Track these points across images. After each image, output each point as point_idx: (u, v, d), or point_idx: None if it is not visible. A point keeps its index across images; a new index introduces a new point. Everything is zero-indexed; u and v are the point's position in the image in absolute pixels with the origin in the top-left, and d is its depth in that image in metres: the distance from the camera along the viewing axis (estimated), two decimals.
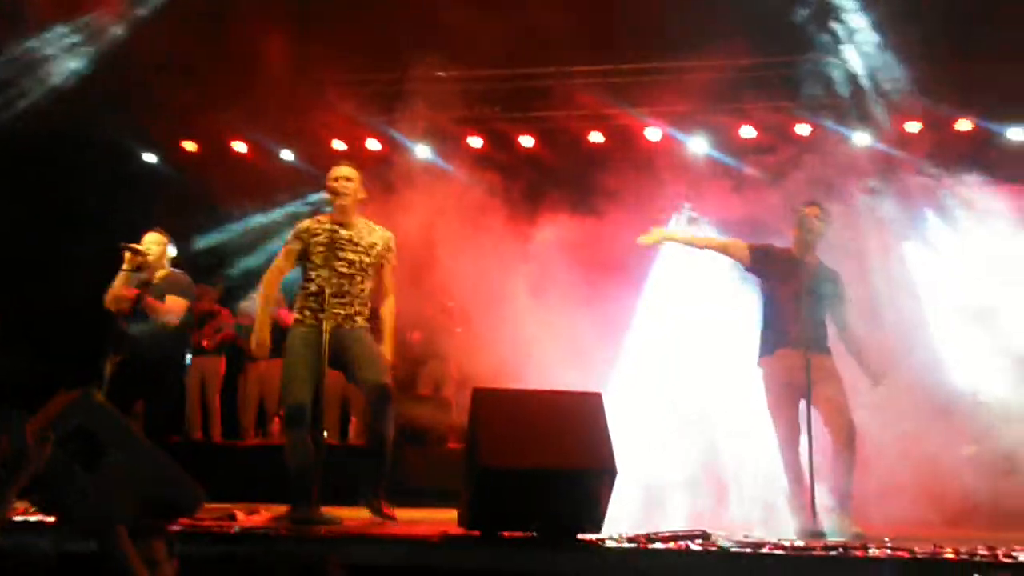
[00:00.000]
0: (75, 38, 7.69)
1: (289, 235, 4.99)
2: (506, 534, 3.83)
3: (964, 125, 7.98)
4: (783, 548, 3.72)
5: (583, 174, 8.12)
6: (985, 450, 6.17)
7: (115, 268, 5.57)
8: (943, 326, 6.99)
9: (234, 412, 8.55)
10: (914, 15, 7.10)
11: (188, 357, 6.10)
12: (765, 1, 7.02)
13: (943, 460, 5.89)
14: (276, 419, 8.17)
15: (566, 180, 8.32)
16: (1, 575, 3.35)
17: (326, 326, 4.66)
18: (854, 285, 5.35)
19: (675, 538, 3.88)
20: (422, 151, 8.79)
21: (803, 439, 4.79)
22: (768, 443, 5.06)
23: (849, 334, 5.06)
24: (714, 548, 3.72)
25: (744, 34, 7.13)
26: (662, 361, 6.63)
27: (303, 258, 4.88)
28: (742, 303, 5.86)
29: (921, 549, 3.70)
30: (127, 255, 5.54)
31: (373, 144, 8.85)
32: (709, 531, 4.07)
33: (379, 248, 4.89)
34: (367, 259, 4.85)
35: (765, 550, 3.64)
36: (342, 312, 4.76)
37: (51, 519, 3.98)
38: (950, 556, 3.56)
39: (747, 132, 8.30)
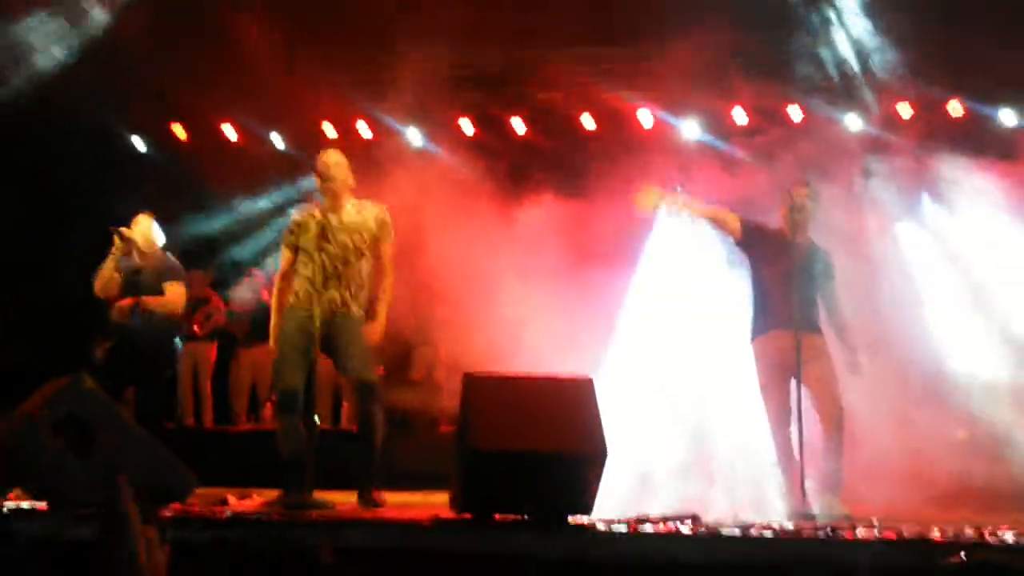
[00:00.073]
0: (60, 24, 7.62)
1: (284, 233, 5.00)
2: (497, 517, 3.86)
3: (956, 107, 7.97)
4: (772, 530, 3.75)
5: (574, 158, 8.11)
6: (977, 433, 6.22)
7: (104, 253, 5.56)
8: (936, 308, 7.01)
9: (226, 398, 8.56)
10: None
11: (179, 342, 6.09)
12: None
13: (934, 443, 5.93)
14: (268, 404, 8.18)
15: (557, 164, 8.30)
16: None
17: (317, 311, 4.67)
18: (847, 267, 5.36)
19: (665, 521, 3.91)
20: (412, 135, 8.75)
21: (794, 420, 4.82)
22: (759, 425, 5.09)
23: (836, 315, 5.09)
24: (704, 530, 3.75)
25: (736, 17, 7.10)
26: (653, 344, 6.65)
27: (298, 249, 4.87)
28: (733, 286, 5.87)
29: (908, 530, 3.73)
30: (116, 240, 5.52)
31: (363, 129, 8.80)
32: (699, 514, 4.10)
33: (371, 225, 4.86)
34: (359, 238, 4.82)
35: (754, 532, 3.67)
36: (337, 296, 4.75)
37: (42, 505, 3.99)
38: (937, 537, 3.59)
39: (739, 115, 8.28)
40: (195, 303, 8.10)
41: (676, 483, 5.57)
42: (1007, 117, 7.92)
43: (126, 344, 5.49)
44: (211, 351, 8.47)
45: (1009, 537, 3.57)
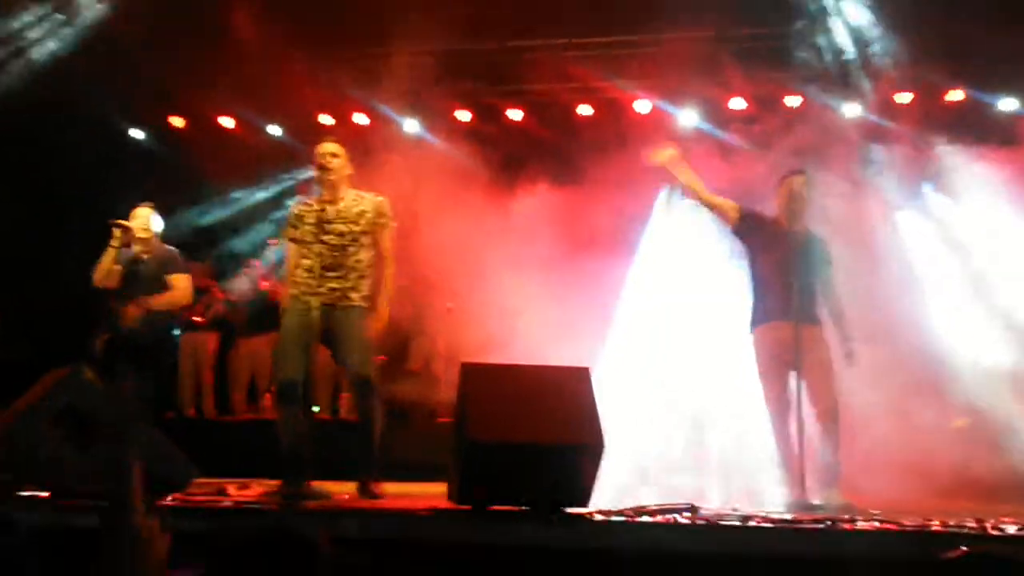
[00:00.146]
0: (57, 15, 7.59)
1: (286, 227, 5.00)
2: (495, 508, 3.86)
3: (955, 95, 7.95)
4: (771, 521, 3.74)
5: (572, 148, 8.08)
6: (977, 422, 6.21)
7: (103, 245, 5.54)
8: (936, 296, 6.99)
9: (226, 388, 8.56)
10: None
11: (177, 333, 6.09)
12: None
13: (935, 433, 5.93)
14: (267, 395, 8.18)
15: (555, 153, 8.29)
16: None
17: (315, 302, 4.67)
18: (845, 255, 5.34)
19: (663, 511, 3.91)
20: (410, 125, 8.73)
21: (793, 411, 4.82)
22: (757, 415, 5.09)
23: (833, 304, 5.07)
24: (702, 521, 3.75)
25: (733, 4, 7.07)
26: (651, 335, 6.64)
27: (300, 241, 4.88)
28: (732, 276, 5.86)
29: (909, 521, 3.73)
30: (115, 231, 5.50)
31: (361, 118, 8.78)
32: (696, 504, 4.10)
33: (369, 215, 4.84)
34: (357, 228, 4.80)
35: (753, 523, 3.67)
36: (337, 287, 4.74)
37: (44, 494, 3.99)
38: (938, 528, 3.59)
39: (736, 103, 8.25)
40: (195, 293, 8.09)
41: (673, 474, 5.58)
42: (1007, 104, 7.90)
43: (126, 335, 5.48)
44: (211, 341, 8.47)
45: (1011, 529, 3.56)
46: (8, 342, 6.77)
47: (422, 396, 7.62)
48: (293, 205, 5.04)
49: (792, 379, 4.81)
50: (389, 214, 4.91)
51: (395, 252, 4.92)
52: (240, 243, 9.07)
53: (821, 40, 7.52)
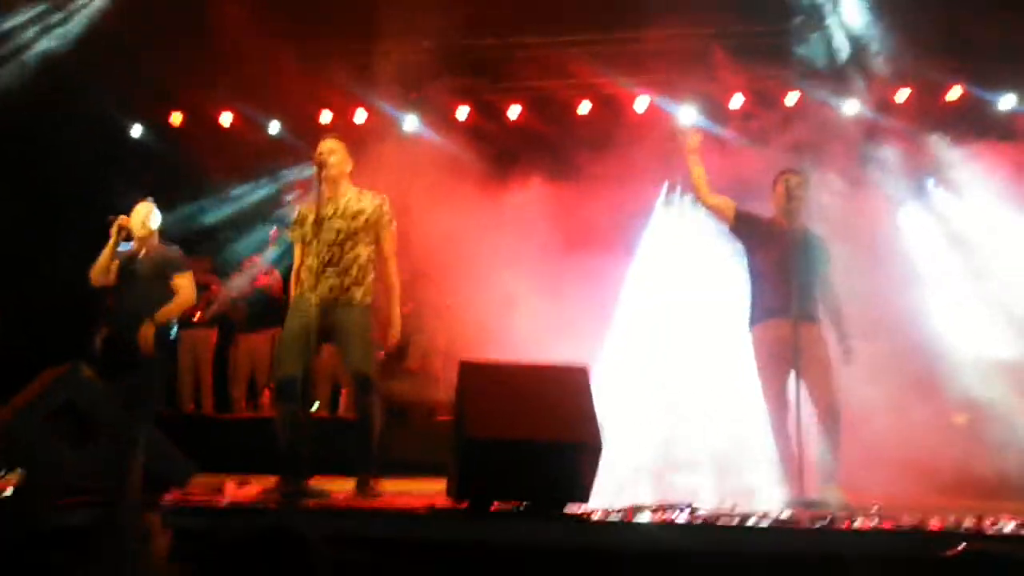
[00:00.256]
0: (55, 12, 7.57)
1: (291, 228, 5.02)
2: (493, 506, 3.85)
3: (955, 92, 7.94)
4: (769, 519, 3.74)
5: (571, 144, 8.07)
6: (977, 419, 6.20)
7: (101, 242, 5.53)
8: (936, 292, 6.99)
9: (225, 384, 8.56)
10: None
11: (176, 329, 6.07)
12: None
13: (935, 430, 5.92)
14: (266, 391, 8.18)
15: (554, 150, 8.27)
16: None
17: (314, 299, 4.67)
18: (844, 252, 5.33)
19: (661, 510, 3.90)
20: (409, 121, 8.72)
21: (793, 409, 4.81)
22: (756, 413, 5.08)
23: (831, 303, 5.06)
24: (700, 520, 3.74)
25: (733, 2, 7.07)
26: (651, 333, 6.64)
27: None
28: (731, 274, 5.86)
29: (908, 519, 3.73)
30: (113, 228, 5.49)
31: (361, 115, 8.77)
32: (695, 503, 4.10)
33: (369, 213, 4.83)
34: (355, 225, 4.80)
35: (751, 522, 3.67)
36: (337, 282, 4.74)
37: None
38: (936, 526, 3.59)
39: (736, 101, 8.24)
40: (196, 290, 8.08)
41: (672, 472, 5.57)
42: (1006, 102, 7.88)
43: (124, 332, 5.46)
44: (211, 337, 8.46)
45: (1009, 527, 3.56)
46: (7, 339, 6.76)
47: (421, 394, 7.62)
48: (295, 202, 5.04)
49: (791, 377, 4.81)
50: (390, 213, 4.90)
51: (396, 252, 4.92)
52: (240, 240, 9.05)
53: (820, 37, 7.50)
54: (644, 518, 3.74)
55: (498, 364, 4.21)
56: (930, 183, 7.52)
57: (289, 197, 8.20)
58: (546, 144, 8.56)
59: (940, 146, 7.34)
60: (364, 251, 4.83)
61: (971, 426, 6.26)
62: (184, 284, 5.53)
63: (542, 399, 3.87)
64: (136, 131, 9.32)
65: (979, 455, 5.76)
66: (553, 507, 3.81)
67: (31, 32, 7.59)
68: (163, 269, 5.56)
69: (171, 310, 5.45)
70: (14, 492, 3.81)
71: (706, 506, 4.15)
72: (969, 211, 7.17)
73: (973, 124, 7.59)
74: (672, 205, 7.27)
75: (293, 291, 4.91)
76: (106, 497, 3.15)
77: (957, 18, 6.98)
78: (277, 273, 8.27)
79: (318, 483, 4.64)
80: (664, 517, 3.76)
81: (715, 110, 8.28)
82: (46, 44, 7.64)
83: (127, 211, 5.65)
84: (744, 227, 5.12)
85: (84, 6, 7.64)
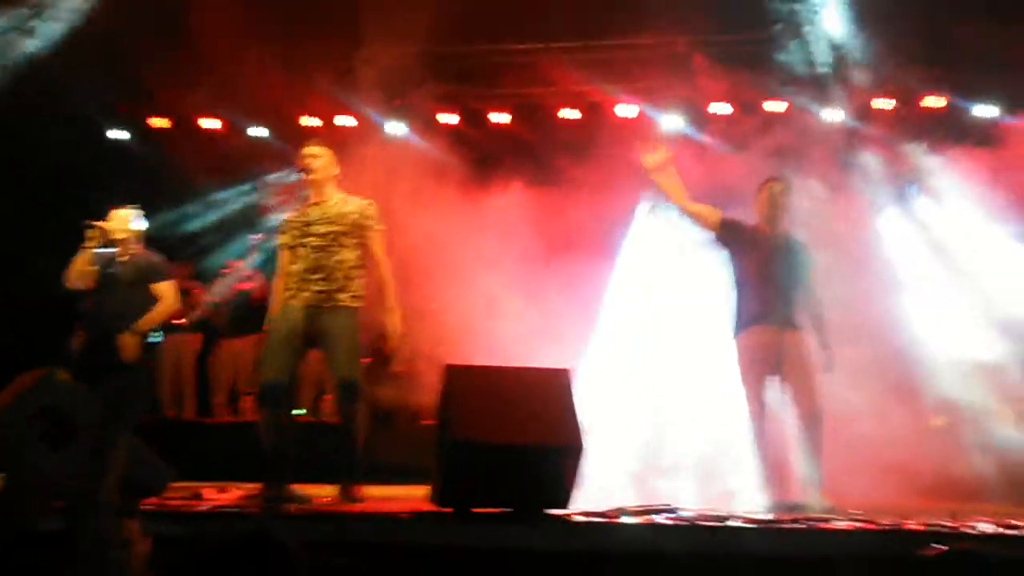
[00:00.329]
0: (37, 14, 7.52)
1: (279, 234, 5.00)
2: (477, 510, 3.85)
3: (935, 100, 8.03)
4: (750, 521, 3.76)
5: (555, 150, 8.09)
6: (956, 422, 6.26)
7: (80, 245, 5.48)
8: (916, 297, 7.04)
9: (207, 390, 8.51)
10: None
11: (160, 334, 6.02)
12: None
13: (915, 433, 5.97)
14: (247, 397, 8.13)
15: (538, 156, 8.29)
16: None
17: (300, 305, 4.66)
18: (825, 258, 5.36)
19: (644, 512, 3.91)
20: (393, 127, 8.71)
21: (774, 415, 4.84)
22: (738, 418, 5.10)
23: (813, 309, 5.07)
24: (682, 522, 3.76)
25: (716, 9, 7.11)
26: (634, 337, 6.65)
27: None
28: (714, 279, 5.87)
29: (886, 521, 3.76)
30: (90, 232, 5.44)
31: (344, 120, 8.76)
32: (676, 505, 4.11)
33: (353, 217, 4.81)
34: (338, 229, 4.77)
35: (731, 523, 3.68)
36: (322, 288, 4.72)
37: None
38: (914, 527, 3.62)
39: (718, 108, 8.29)
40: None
41: (654, 475, 5.59)
42: (985, 111, 7.97)
43: (102, 336, 5.41)
44: (195, 342, 8.42)
45: (987, 527, 3.60)
46: None
47: (405, 398, 7.59)
48: (278, 207, 5.03)
49: (772, 383, 4.83)
50: (376, 217, 4.88)
51: (386, 251, 4.88)
52: (222, 245, 9.01)
53: (801, 45, 7.56)
54: (627, 520, 3.75)
55: (482, 368, 4.22)
56: (910, 189, 7.59)
57: (272, 202, 8.16)
58: (530, 149, 8.58)
59: (918, 153, 7.40)
60: (350, 255, 4.81)
61: (950, 429, 6.31)
62: (167, 291, 5.49)
63: (526, 402, 3.88)
64: (118, 135, 9.27)
65: (958, 458, 5.80)
66: (536, 510, 3.81)
67: (14, 32, 7.53)
68: (145, 274, 5.51)
69: (154, 318, 5.41)
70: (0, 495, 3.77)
71: (688, 508, 4.16)
72: (948, 217, 7.24)
73: (951, 131, 7.67)
74: (655, 210, 7.29)
75: (277, 297, 4.89)
76: (83, 501, 3.11)
77: (937, 27, 7.05)
78: (261, 278, 8.23)
79: (301, 489, 4.62)
80: (646, 519, 3.78)
81: (699, 117, 8.33)
82: (29, 45, 7.58)
83: (106, 215, 5.61)
84: (729, 234, 5.13)
85: (66, 8, 7.59)
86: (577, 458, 3.79)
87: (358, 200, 4.90)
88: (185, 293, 8.18)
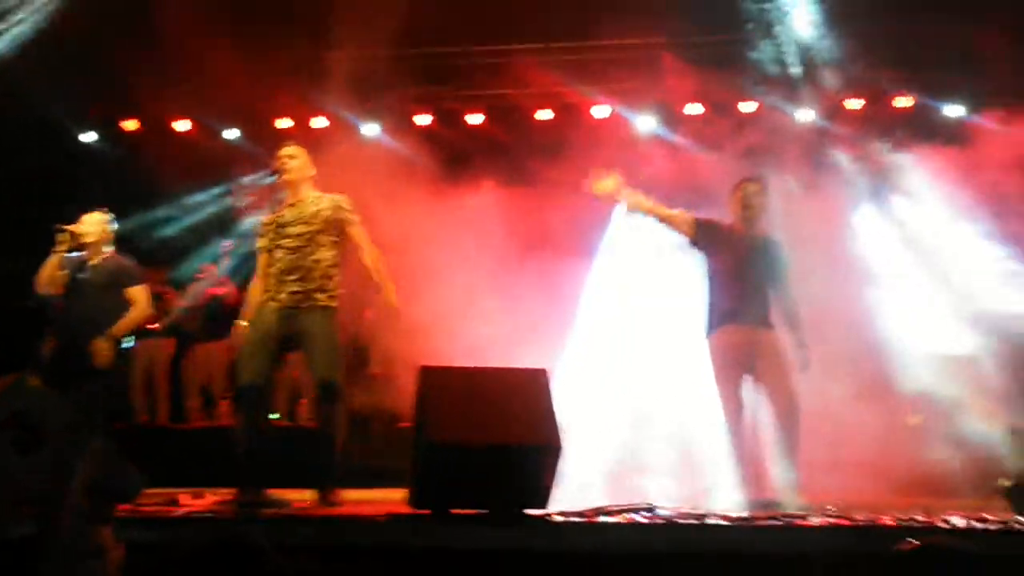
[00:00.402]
0: (6, 16, 7.42)
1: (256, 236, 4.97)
2: (454, 512, 3.84)
3: (904, 100, 8.13)
4: (727, 519, 3.78)
5: (529, 151, 8.10)
6: (930, 418, 6.32)
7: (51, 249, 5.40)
8: (890, 295, 7.10)
9: (180, 395, 8.43)
10: None
11: (132, 339, 5.95)
12: None
13: (890, 429, 6.02)
14: (221, 402, 8.07)
15: (513, 157, 8.29)
16: None
17: (276, 306, 4.64)
18: (800, 256, 5.38)
19: (622, 511, 3.92)
20: (368, 128, 8.68)
21: (749, 414, 4.86)
22: (714, 417, 5.12)
23: (788, 308, 5.09)
24: (660, 521, 3.77)
25: (689, 10, 7.15)
26: (612, 337, 6.67)
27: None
28: (689, 279, 5.90)
29: (860, 517, 3.79)
30: (60, 237, 5.37)
31: (319, 121, 8.71)
32: (654, 504, 4.12)
33: (327, 213, 4.77)
34: (312, 228, 4.75)
35: (709, 521, 3.70)
36: (299, 289, 4.68)
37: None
38: (888, 523, 3.66)
39: (692, 108, 8.34)
40: (151, 298, 7.95)
41: (632, 474, 5.60)
42: (954, 110, 8.09)
43: (73, 341, 5.34)
44: (168, 347, 8.33)
45: (959, 522, 3.64)
46: None
47: (382, 401, 7.56)
48: (252, 210, 5.00)
49: (746, 382, 4.85)
50: (349, 208, 4.84)
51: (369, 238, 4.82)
52: (195, 249, 8.93)
53: (772, 45, 7.63)
54: (605, 520, 3.75)
55: (458, 369, 4.21)
56: (882, 187, 7.66)
57: (246, 205, 8.10)
58: (504, 150, 8.58)
59: (888, 151, 7.49)
60: (327, 254, 4.78)
61: (924, 425, 6.38)
62: (139, 296, 5.44)
63: (503, 402, 3.87)
64: (88, 137, 9.16)
65: (931, 453, 5.86)
66: (514, 511, 3.81)
67: None
68: (116, 278, 5.45)
69: (127, 323, 5.36)
70: None
71: (666, 507, 4.17)
72: (919, 213, 7.32)
73: (920, 130, 7.76)
74: (627, 214, 7.31)
75: (253, 299, 4.84)
76: (53, 506, 3.07)
77: (905, 28, 7.14)
78: (232, 284, 8.17)
79: (277, 493, 4.58)
80: (625, 519, 3.78)
81: (672, 117, 8.37)
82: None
83: (77, 219, 5.54)
84: (705, 236, 5.13)
85: (34, 10, 7.50)
86: (555, 457, 3.79)
87: (329, 197, 4.87)
88: (158, 297, 8.10)
